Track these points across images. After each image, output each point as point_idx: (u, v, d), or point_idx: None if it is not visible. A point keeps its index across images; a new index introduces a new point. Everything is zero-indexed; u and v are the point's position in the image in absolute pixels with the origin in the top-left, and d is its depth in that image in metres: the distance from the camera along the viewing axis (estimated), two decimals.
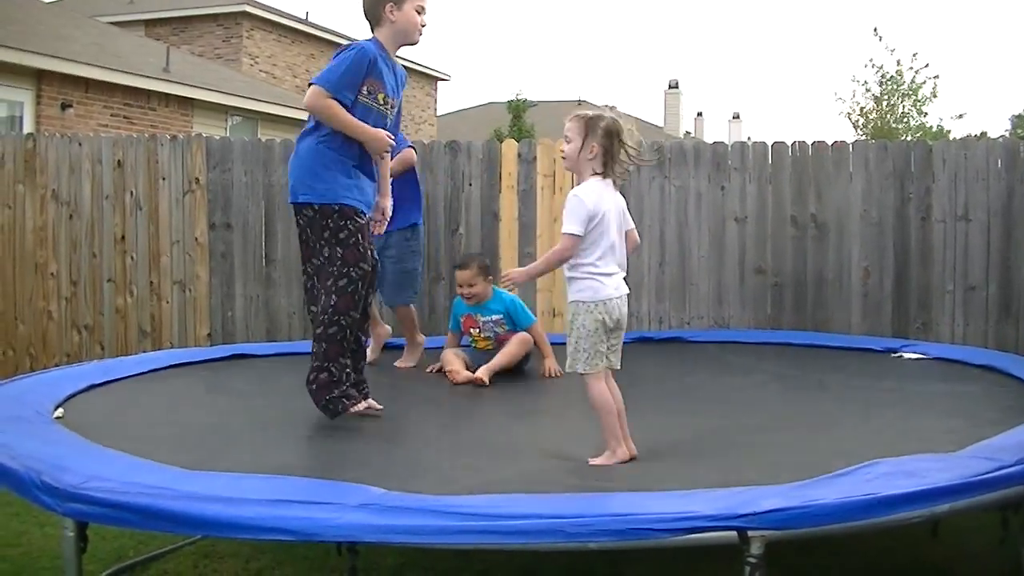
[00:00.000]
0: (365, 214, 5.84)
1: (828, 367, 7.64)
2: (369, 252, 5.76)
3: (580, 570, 5.59)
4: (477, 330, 7.76)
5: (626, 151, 5.18)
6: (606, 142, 5.15)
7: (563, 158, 5.29)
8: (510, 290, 7.29)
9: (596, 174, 5.20)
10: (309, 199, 5.73)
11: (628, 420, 5.17)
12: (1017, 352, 8.78)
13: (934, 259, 9.43)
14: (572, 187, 9.75)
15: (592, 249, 5.17)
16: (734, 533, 3.49)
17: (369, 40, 5.87)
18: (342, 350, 5.68)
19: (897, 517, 3.70)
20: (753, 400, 6.66)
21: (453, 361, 7.43)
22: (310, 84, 5.76)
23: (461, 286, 7.76)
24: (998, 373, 7.01)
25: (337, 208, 5.69)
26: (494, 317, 7.72)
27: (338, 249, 5.63)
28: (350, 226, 5.68)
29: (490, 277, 7.80)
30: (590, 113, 5.22)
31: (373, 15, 5.92)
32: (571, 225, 5.13)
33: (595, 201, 5.15)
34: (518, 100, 40.33)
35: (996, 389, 6.64)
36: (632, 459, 5.04)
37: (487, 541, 3.55)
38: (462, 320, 7.85)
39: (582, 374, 5.14)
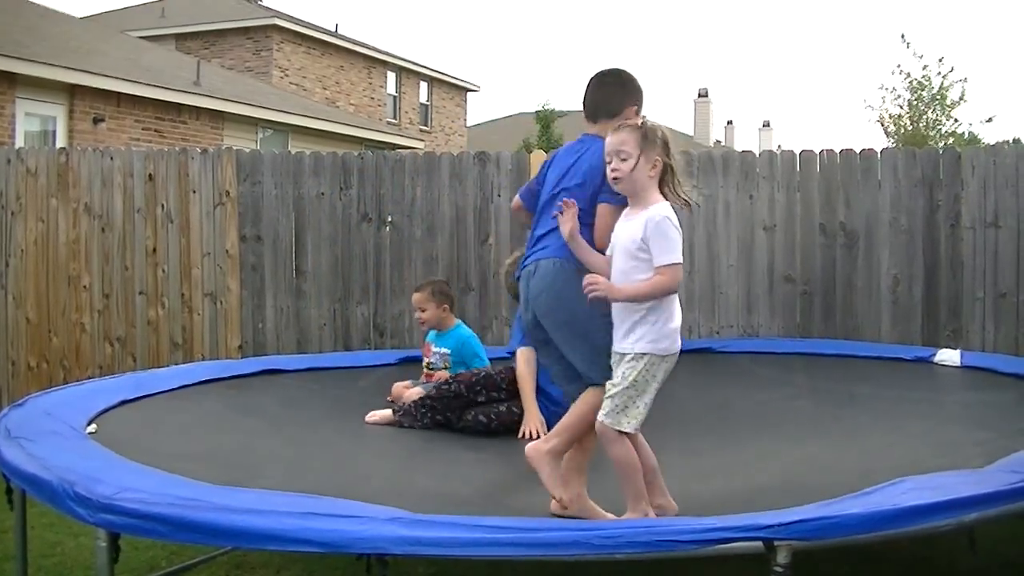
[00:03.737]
0: None
1: (857, 377, 7.63)
2: None
3: (615, 573, 5.59)
4: (426, 360, 7.48)
5: (676, 176, 4.56)
6: (666, 156, 4.50)
7: (614, 179, 4.52)
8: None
9: (663, 196, 4.53)
10: None
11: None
12: None
13: (964, 266, 9.37)
14: None
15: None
16: (760, 543, 3.51)
17: None
18: None
19: (923, 527, 3.71)
20: (783, 413, 6.67)
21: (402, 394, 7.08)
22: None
23: (415, 308, 7.49)
24: None
25: None
26: (442, 350, 7.40)
27: None
28: None
29: (445, 305, 7.48)
30: (638, 122, 4.58)
31: None
32: (675, 253, 4.45)
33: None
34: (546, 110, 40.43)
35: None
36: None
37: (514, 553, 3.58)
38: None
39: (605, 423, 4.47)
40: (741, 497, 4.49)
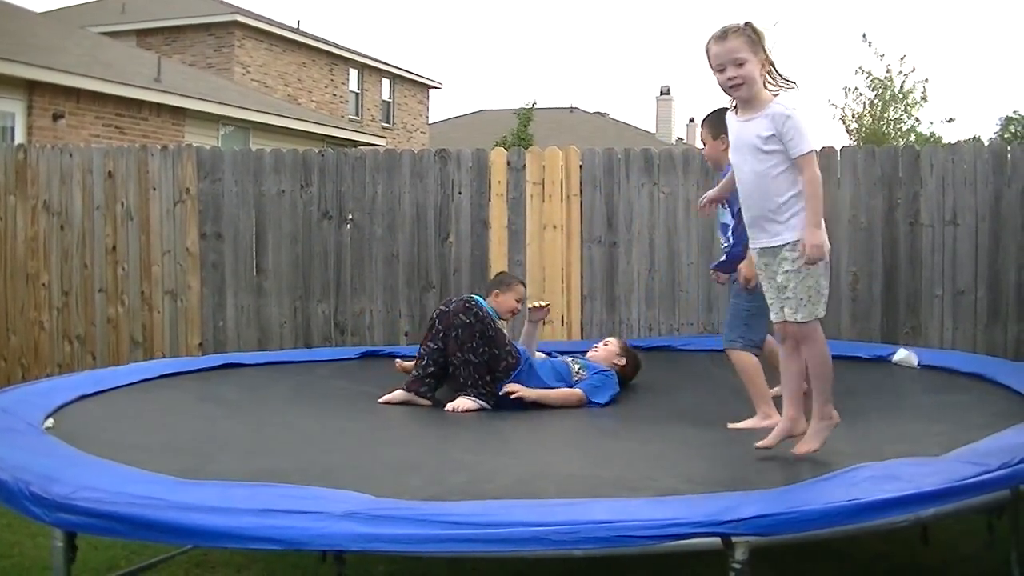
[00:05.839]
0: None
1: None
2: None
3: (575, 570, 5.59)
4: None
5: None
6: (767, 51, 4.57)
7: (733, 86, 4.60)
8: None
9: (775, 91, 4.62)
10: None
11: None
12: (1006, 356, 8.80)
13: (923, 264, 9.43)
14: (562, 196, 9.80)
15: None
16: (718, 539, 3.52)
17: None
18: None
19: (882, 522, 3.73)
20: (742, 406, 6.68)
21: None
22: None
23: (520, 300, 7.65)
24: (987, 380, 6.99)
25: None
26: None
27: None
28: None
29: None
30: (741, 24, 4.55)
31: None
32: (811, 141, 4.56)
33: None
34: (527, 108, 40.79)
35: (985, 396, 6.62)
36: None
37: (472, 550, 3.58)
38: None
39: (807, 322, 4.67)
40: (696, 485, 4.49)
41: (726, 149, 6.79)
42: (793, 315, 4.63)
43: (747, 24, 4.54)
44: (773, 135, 4.55)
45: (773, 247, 4.70)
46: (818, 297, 4.65)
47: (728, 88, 4.61)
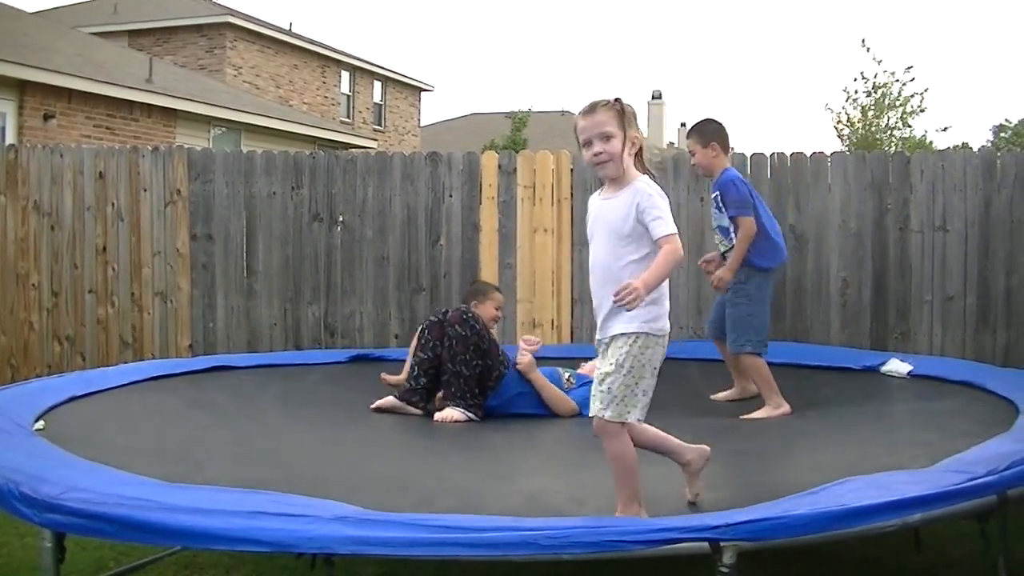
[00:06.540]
0: None
1: (806, 384, 7.62)
2: None
3: (565, 575, 5.60)
4: None
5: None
6: (639, 133, 4.37)
7: (599, 163, 4.37)
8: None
9: (642, 172, 4.40)
10: None
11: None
12: (994, 361, 8.81)
13: (912, 269, 9.42)
14: (553, 200, 9.79)
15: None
16: (706, 544, 3.53)
17: None
18: None
19: (869, 527, 3.74)
20: (731, 416, 6.69)
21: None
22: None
23: (499, 308, 7.79)
24: (976, 388, 6.98)
25: None
26: None
27: None
28: None
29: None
30: (611, 99, 4.34)
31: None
32: (672, 223, 4.34)
33: None
34: (523, 113, 40.80)
35: (973, 403, 6.62)
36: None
37: (460, 553, 3.58)
38: None
39: (610, 421, 4.25)
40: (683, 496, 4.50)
41: (716, 156, 7.07)
42: (602, 410, 4.25)
43: (617, 100, 4.35)
44: (633, 217, 4.33)
45: (607, 339, 4.43)
46: (633, 399, 4.28)
47: (594, 164, 4.39)
